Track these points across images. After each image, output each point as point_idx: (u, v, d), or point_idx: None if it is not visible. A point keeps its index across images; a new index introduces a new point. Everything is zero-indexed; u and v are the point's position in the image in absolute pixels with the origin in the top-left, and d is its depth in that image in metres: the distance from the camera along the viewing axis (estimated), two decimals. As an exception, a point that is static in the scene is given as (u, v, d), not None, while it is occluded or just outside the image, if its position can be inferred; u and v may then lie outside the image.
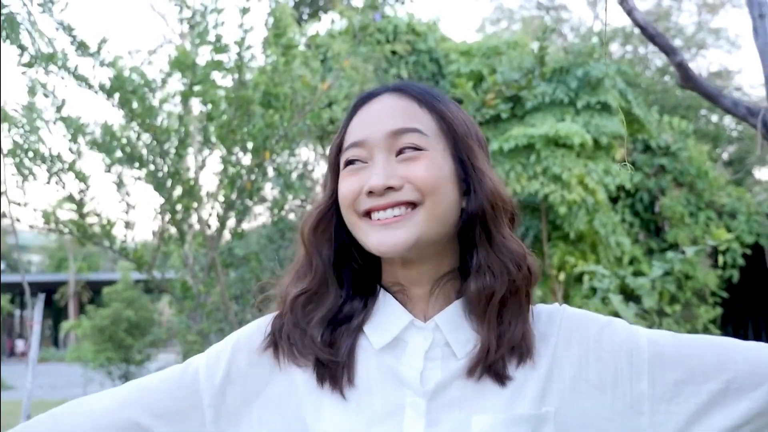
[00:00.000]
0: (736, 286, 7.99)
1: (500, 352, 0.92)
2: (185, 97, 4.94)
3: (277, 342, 0.98)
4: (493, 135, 7.61)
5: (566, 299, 7.17)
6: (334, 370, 0.95)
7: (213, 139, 5.26)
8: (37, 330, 4.39)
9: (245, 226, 5.77)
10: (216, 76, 5.18)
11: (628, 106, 6.57)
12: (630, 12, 2.69)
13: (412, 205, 0.93)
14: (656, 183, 7.51)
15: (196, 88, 4.93)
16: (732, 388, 0.91)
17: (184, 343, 9.98)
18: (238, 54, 5.02)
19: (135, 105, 4.78)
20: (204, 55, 5.10)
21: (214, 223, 5.32)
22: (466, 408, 0.92)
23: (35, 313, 4.64)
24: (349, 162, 0.98)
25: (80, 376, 12.98)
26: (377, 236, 0.93)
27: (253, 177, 5.23)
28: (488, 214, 0.95)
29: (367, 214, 0.95)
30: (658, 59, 20.04)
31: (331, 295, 0.99)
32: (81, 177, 4.73)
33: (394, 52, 7.36)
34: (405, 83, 1.02)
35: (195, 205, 5.25)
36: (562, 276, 6.76)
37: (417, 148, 0.94)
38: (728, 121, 19.31)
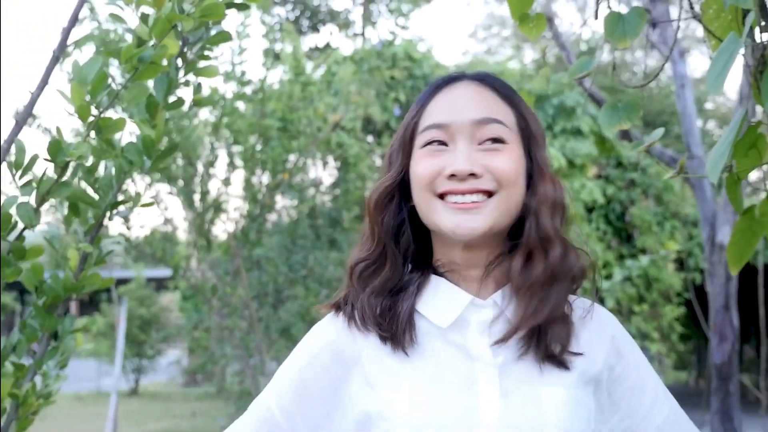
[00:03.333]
0: (701, 288, 8.83)
1: (542, 334, 0.95)
2: (215, 127, 5.73)
3: (350, 313, 1.00)
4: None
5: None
6: (395, 338, 0.97)
7: (237, 161, 6.04)
8: (123, 326, 5.16)
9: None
10: (240, 105, 5.97)
11: (599, 130, 7.47)
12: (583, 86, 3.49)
13: (489, 193, 0.95)
14: (627, 195, 8.30)
15: (225, 119, 5.71)
16: None
17: (190, 339, 10.74)
18: (260, 89, 5.81)
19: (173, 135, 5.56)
20: (230, 88, 5.88)
21: (238, 234, 6.09)
22: (534, 380, 0.95)
23: (121, 312, 5.43)
24: (429, 143, 0.99)
25: (93, 370, 13.68)
26: (455, 219, 0.95)
27: (272, 194, 6.00)
28: (543, 213, 0.97)
29: (442, 196, 0.97)
30: (643, 64, 20.77)
31: (389, 266, 1.00)
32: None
33: (392, 77, 8.18)
34: (485, 73, 1.03)
35: (221, 218, 6.04)
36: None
37: (500, 140, 0.96)
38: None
